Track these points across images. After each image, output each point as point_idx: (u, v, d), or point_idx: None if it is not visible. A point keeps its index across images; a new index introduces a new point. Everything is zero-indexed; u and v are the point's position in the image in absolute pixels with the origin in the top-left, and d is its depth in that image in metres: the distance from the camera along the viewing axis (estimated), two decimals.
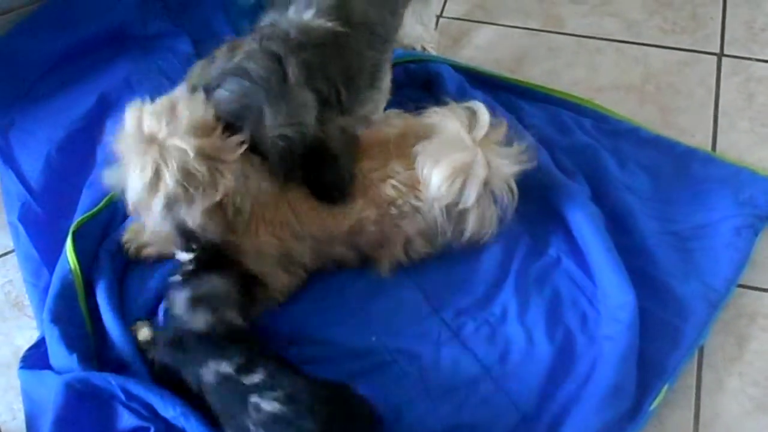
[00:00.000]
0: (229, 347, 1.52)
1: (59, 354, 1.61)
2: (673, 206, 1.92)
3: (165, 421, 1.53)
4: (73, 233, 1.76)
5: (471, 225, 1.71)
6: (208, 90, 1.58)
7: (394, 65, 2.00)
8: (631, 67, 2.26)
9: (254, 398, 1.45)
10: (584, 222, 1.81)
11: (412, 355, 1.60)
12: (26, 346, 1.69)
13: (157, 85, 1.99)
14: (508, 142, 1.70)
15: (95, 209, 1.82)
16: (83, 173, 1.90)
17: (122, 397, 1.54)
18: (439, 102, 1.76)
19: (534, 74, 2.21)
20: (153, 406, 1.53)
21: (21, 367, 1.65)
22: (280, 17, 1.68)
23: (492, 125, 1.68)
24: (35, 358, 1.65)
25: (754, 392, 1.68)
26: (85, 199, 1.85)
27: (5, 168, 1.97)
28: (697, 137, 2.07)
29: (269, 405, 1.43)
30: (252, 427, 1.44)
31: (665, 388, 1.64)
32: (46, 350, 1.65)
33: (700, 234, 1.87)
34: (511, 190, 1.70)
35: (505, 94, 2.12)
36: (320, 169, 1.64)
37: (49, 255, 1.78)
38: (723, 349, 1.73)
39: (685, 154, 2.01)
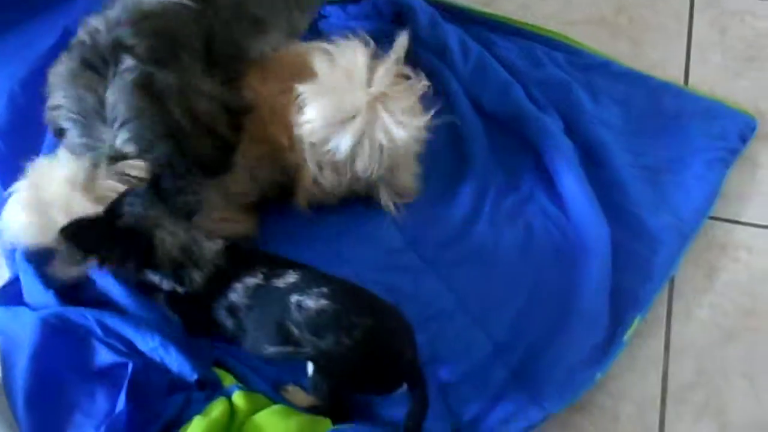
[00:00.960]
0: (245, 265, 1.48)
1: (35, 291, 1.59)
2: (645, 139, 1.93)
3: (143, 356, 1.51)
4: None
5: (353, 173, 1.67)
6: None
7: None
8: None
9: (294, 297, 1.41)
10: (557, 155, 1.82)
11: (389, 287, 1.59)
12: None
13: None
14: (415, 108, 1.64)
15: None
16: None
17: (99, 332, 1.53)
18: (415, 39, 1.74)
19: (507, 8, 2.18)
20: (131, 341, 1.52)
21: None
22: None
23: (409, 83, 1.62)
24: (9, 296, 1.62)
25: (724, 322, 1.70)
26: (50, 139, 1.78)
27: None
28: (670, 71, 2.06)
29: (314, 302, 1.39)
30: (295, 330, 1.40)
31: (637, 318, 1.66)
32: (19, 288, 1.62)
33: (672, 167, 1.88)
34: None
35: (477, 27, 2.10)
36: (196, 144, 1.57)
37: None
38: (693, 280, 1.75)
39: (658, 88, 2.01)
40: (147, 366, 1.51)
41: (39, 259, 1.62)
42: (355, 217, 1.77)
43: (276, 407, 1.48)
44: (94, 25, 1.55)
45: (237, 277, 1.47)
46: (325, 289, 1.41)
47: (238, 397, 1.47)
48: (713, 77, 2.06)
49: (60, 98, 1.53)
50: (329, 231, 1.76)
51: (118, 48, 1.50)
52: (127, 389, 1.47)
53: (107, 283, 1.58)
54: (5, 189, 1.74)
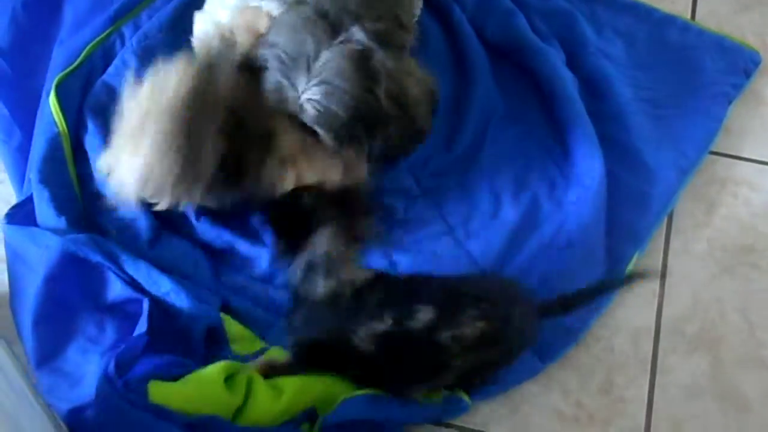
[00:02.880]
0: (366, 306, 1.35)
1: (48, 216, 1.59)
2: (648, 73, 1.90)
3: (155, 297, 1.52)
4: (56, 89, 1.69)
5: None
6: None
7: None
8: None
9: (445, 334, 1.30)
10: (557, 87, 1.80)
11: (386, 207, 1.60)
12: None
13: None
14: None
15: (73, 65, 1.75)
16: (52, 30, 1.84)
17: (114, 267, 1.53)
18: None
19: None
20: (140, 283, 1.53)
21: (7, 222, 1.61)
22: None
23: None
24: (21, 216, 1.62)
25: (721, 256, 1.71)
26: (57, 57, 1.78)
27: None
28: (677, 3, 2.03)
29: (470, 329, 1.31)
30: (453, 362, 1.33)
31: (636, 255, 1.66)
32: (32, 209, 1.62)
33: (675, 101, 1.86)
34: None
35: None
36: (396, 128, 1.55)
37: (20, 113, 1.73)
38: (692, 214, 1.75)
39: (663, 21, 1.97)
40: (158, 308, 1.51)
41: (54, 184, 1.62)
42: None
43: None
44: None
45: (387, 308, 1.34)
46: (472, 312, 1.32)
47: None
48: (721, 10, 2.02)
49: (280, 36, 1.50)
50: None
51: (346, 13, 1.49)
52: (147, 320, 1.47)
53: (130, 213, 1.59)
54: (9, 109, 1.74)
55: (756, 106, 1.88)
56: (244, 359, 1.49)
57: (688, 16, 2.02)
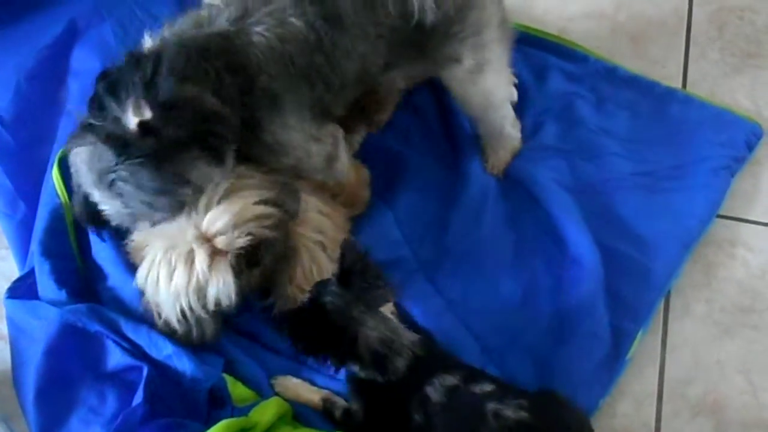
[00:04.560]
0: (441, 363, 1.44)
1: (49, 288, 1.60)
2: (650, 147, 1.91)
3: (155, 362, 1.52)
4: (59, 162, 1.69)
5: None
6: None
7: None
8: None
9: (492, 405, 1.35)
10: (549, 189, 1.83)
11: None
12: None
13: (128, 13, 1.89)
14: None
15: None
16: (55, 102, 1.86)
17: (113, 335, 1.53)
18: None
19: (507, 2, 2.18)
20: (143, 348, 1.52)
21: (8, 297, 1.63)
22: None
23: None
24: (23, 290, 1.64)
25: (721, 318, 1.72)
26: (65, 129, 1.77)
27: None
28: (668, 68, 2.06)
29: (513, 412, 1.34)
30: None
31: (640, 333, 1.66)
32: (34, 282, 1.63)
33: (676, 174, 1.86)
34: None
35: None
36: None
37: (24, 186, 1.75)
38: (691, 276, 1.76)
39: (664, 95, 1.98)
40: (161, 372, 1.51)
41: (55, 256, 1.63)
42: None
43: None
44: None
45: (435, 373, 1.41)
46: (524, 402, 1.36)
47: (257, 413, 1.49)
48: (712, 74, 2.05)
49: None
50: None
51: None
52: (144, 389, 1.47)
53: (120, 281, 1.58)
54: (12, 182, 1.75)
55: (751, 168, 1.90)
56: (244, 411, 1.49)
57: (680, 80, 2.04)
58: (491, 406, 1.35)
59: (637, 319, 1.67)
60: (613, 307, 1.67)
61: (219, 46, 1.40)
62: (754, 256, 1.79)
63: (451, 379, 1.40)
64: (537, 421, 1.34)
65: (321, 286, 1.38)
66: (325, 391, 1.57)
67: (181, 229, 1.43)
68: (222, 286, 1.43)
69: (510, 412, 1.34)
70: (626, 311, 1.67)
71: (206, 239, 1.42)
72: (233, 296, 1.45)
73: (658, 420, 1.61)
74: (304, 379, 1.60)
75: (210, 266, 1.42)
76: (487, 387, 1.39)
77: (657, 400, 1.63)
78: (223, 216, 1.42)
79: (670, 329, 1.71)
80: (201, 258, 1.41)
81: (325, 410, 1.54)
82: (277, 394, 1.56)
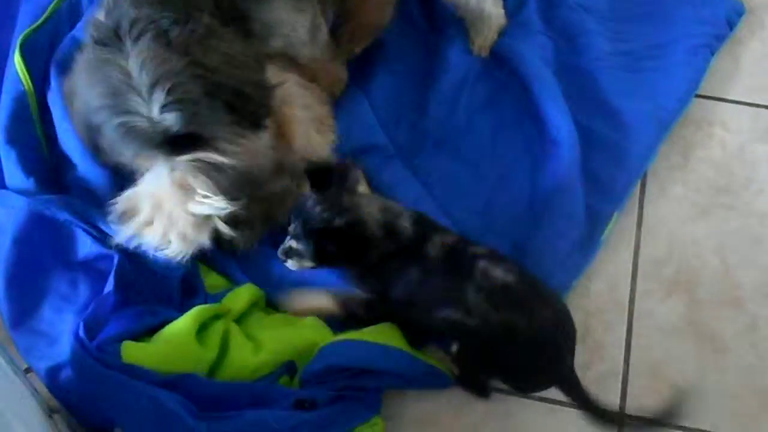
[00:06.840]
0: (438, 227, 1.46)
1: (16, 177, 1.57)
2: (630, 25, 1.88)
3: (128, 250, 1.49)
4: (21, 47, 1.65)
5: None
6: None
7: None
8: None
9: (483, 263, 1.36)
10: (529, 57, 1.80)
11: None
12: None
13: None
14: None
15: (39, 21, 1.71)
16: None
17: (84, 224, 1.51)
18: None
19: None
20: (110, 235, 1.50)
21: None
22: None
23: None
24: None
25: (697, 198, 1.71)
26: (23, 14, 1.74)
27: None
28: None
29: (501, 274, 1.36)
30: (472, 294, 1.35)
31: (615, 214, 1.66)
32: (0, 171, 1.60)
33: (656, 53, 1.84)
34: None
35: None
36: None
37: None
38: (668, 157, 1.75)
39: None
40: (132, 260, 1.49)
41: (21, 144, 1.60)
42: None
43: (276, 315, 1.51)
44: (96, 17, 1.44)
45: (435, 231, 1.43)
46: (514, 267, 1.38)
47: (230, 300, 1.49)
48: None
49: (88, 96, 1.39)
50: None
51: (127, 23, 1.37)
52: (115, 277, 1.46)
53: (88, 171, 1.56)
54: None
55: (731, 47, 1.87)
56: (216, 298, 1.50)
57: None
58: (482, 263, 1.37)
59: (613, 200, 1.66)
60: (590, 188, 1.65)
61: None
62: (732, 137, 1.77)
63: (450, 238, 1.43)
64: (521, 287, 1.36)
65: (303, 211, 1.40)
66: (340, 294, 1.52)
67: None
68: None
69: (499, 273, 1.36)
70: (603, 192, 1.66)
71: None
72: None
73: (632, 300, 1.61)
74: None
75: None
76: (482, 249, 1.41)
77: (631, 280, 1.63)
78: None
79: (645, 212, 1.69)
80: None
81: (348, 314, 1.50)
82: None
